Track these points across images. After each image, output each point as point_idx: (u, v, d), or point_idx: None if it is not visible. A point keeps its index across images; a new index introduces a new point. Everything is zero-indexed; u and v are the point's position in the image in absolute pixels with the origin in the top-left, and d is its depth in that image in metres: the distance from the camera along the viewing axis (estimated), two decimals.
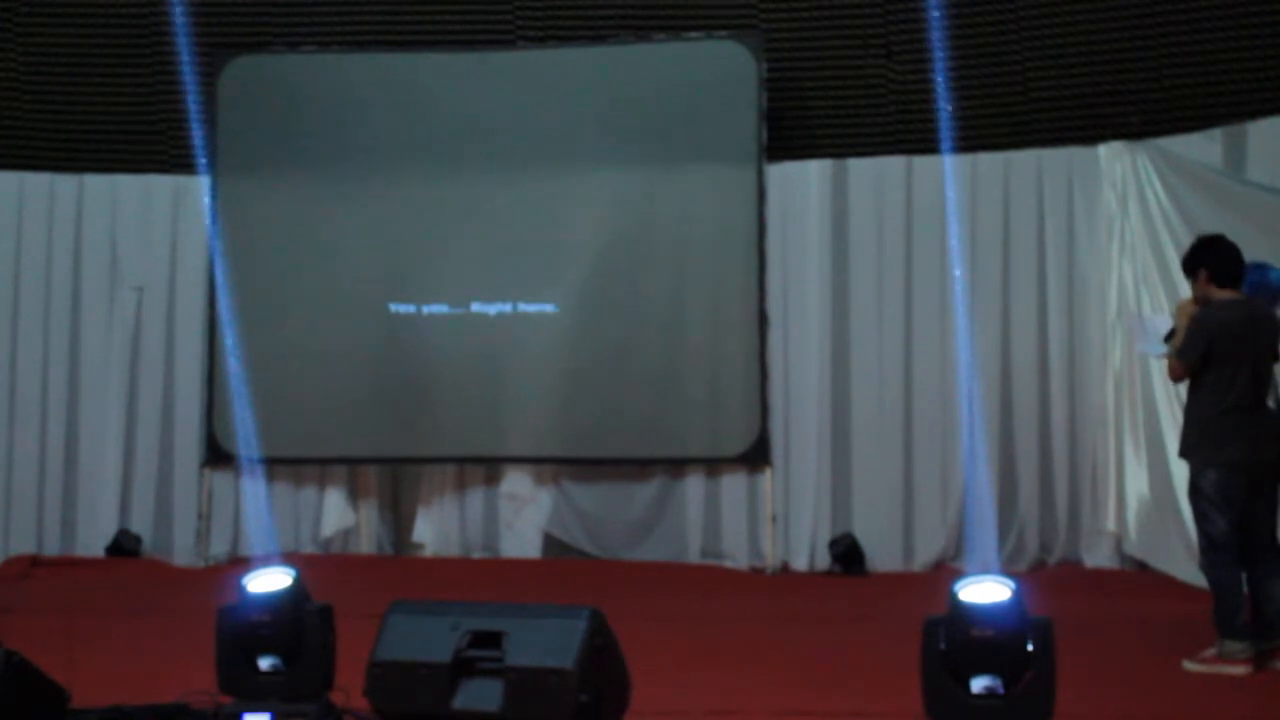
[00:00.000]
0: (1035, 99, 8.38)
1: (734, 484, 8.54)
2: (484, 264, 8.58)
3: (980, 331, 8.29)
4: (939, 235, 8.32)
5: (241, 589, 4.10)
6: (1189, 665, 5.44)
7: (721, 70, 8.41)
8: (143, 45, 8.82)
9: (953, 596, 3.59)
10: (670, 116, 8.45)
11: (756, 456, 8.42)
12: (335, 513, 8.80)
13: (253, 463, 8.28)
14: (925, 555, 8.35)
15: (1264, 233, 6.32)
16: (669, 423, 8.46)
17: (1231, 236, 5.67)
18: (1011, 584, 3.57)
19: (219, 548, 8.63)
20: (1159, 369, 7.29)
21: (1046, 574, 7.99)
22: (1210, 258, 5.57)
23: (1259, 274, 5.67)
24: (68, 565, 8.49)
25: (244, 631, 4.06)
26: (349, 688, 3.98)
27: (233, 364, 8.22)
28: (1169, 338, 5.69)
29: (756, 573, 8.34)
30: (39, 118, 8.98)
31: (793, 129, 8.56)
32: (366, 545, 8.83)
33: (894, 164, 8.53)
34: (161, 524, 8.77)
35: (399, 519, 8.94)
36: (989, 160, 8.43)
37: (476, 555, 8.73)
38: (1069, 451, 8.33)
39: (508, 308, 8.56)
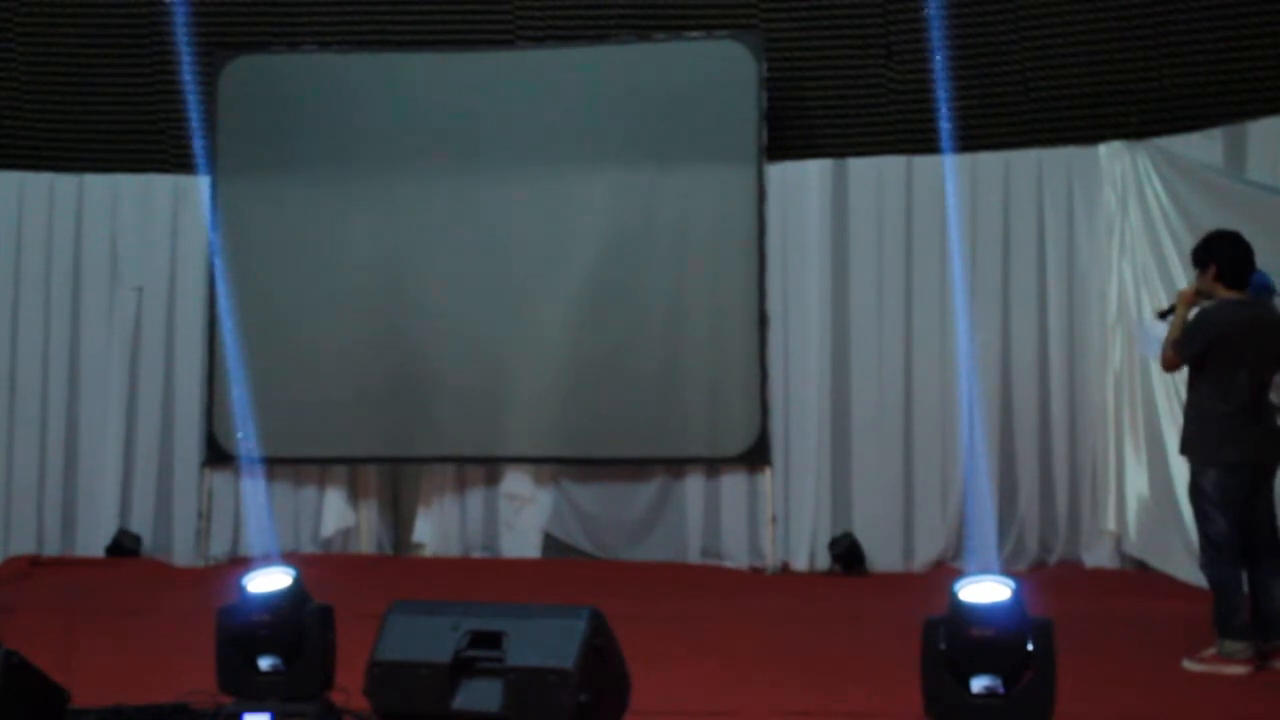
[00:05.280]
0: (1035, 99, 8.38)
1: (734, 484, 8.54)
2: (484, 264, 8.57)
3: (980, 331, 8.28)
4: (939, 235, 8.33)
5: (241, 589, 4.10)
6: (1189, 665, 5.44)
7: (721, 70, 8.40)
8: (143, 45, 8.82)
9: (953, 596, 3.59)
10: (670, 116, 8.45)
11: (756, 456, 8.42)
12: (335, 513, 8.80)
13: (253, 463, 8.28)
14: (925, 555, 8.35)
15: (1264, 233, 6.29)
16: (669, 423, 8.46)
17: None
18: (1011, 584, 3.57)
19: (219, 548, 8.63)
20: (1159, 369, 7.28)
21: (1046, 574, 7.99)
22: (1221, 255, 5.57)
23: (1259, 275, 5.67)
24: (68, 565, 8.49)
25: (244, 631, 4.05)
26: (349, 688, 3.98)
27: (233, 364, 8.22)
28: (1167, 314, 5.70)
29: (756, 573, 8.34)
30: (39, 118, 8.98)
31: (793, 129, 8.56)
32: (366, 545, 8.84)
33: (894, 164, 8.53)
34: (161, 524, 8.77)
35: (399, 519, 8.94)
36: (989, 160, 8.42)
37: (476, 555, 8.73)
38: (1069, 451, 8.33)
39: (507, 308, 8.55)
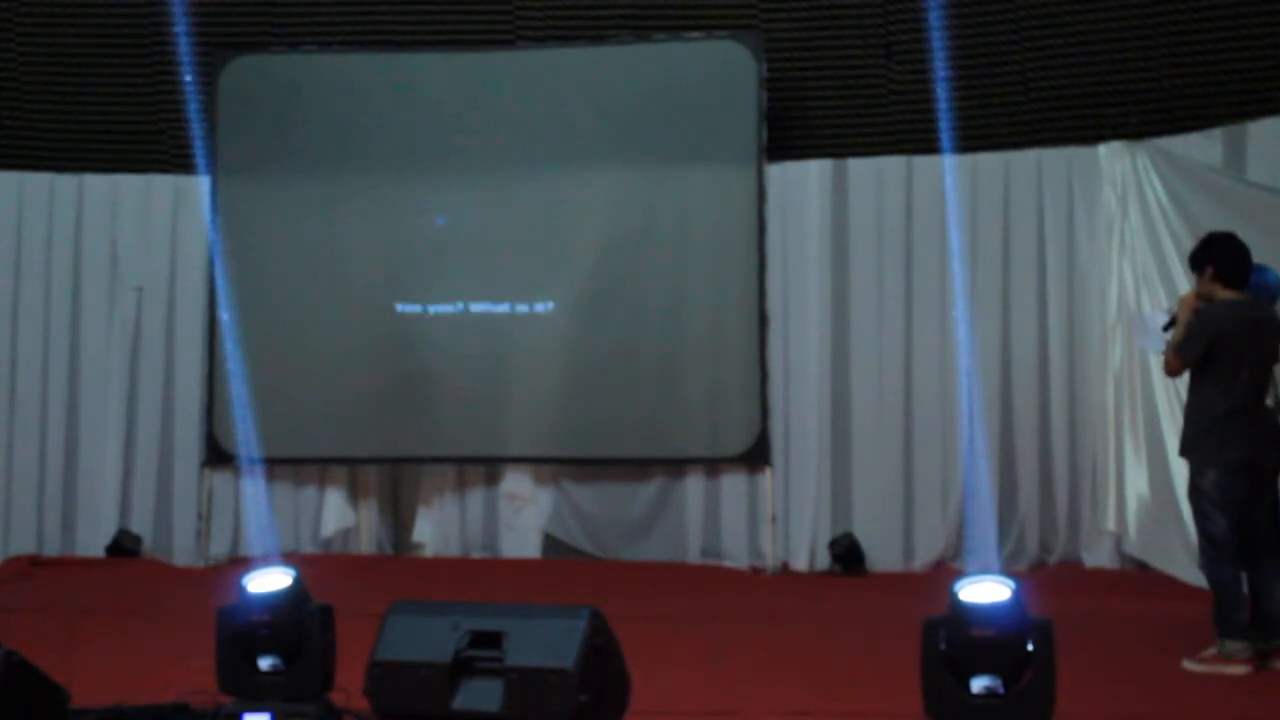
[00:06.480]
0: (1035, 99, 8.38)
1: (734, 484, 8.54)
2: (484, 264, 8.58)
3: (980, 331, 8.29)
4: (939, 235, 8.33)
5: (241, 589, 4.09)
6: (1189, 665, 5.44)
7: (721, 70, 8.40)
8: (143, 45, 8.82)
9: (953, 596, 3.59)
10: (670, 116, 8.45)
11: (756, 456, 8.42)
12: (335, 513, 8.80)
13: (253, 463, 8.28)
14: (925, 555, 8.35)
15: (1264, 233, 6.31)
16: (669, 423, 8.46)
17: None
18: (1011, 584, 3.57)
19: (219, 548, 8.63)
20: (1159, 369, 7.29)
21: (1046, 574, 7.99)
22: (1218, 256, 5.58)
23: (1258, 275, 5.67)
24: (68, 565, 8.48)
25: (244, 631, 4.05)
26: (349, 688, 3.98)
27: (233, 364, 8.22)
28: (1169, 327, 5.71)
29: (756, 573, 8.34)
30: (39, 118, 8.98)
31: (793, 129, 8.57)
32: (366, 545, 8.84)
33: (894, 164, 8.53)
34: (161, 524, 8.77)
35: (399, 519, 8.94)
36: (989, 160, 8.42)
37: (476, 555, 8.73)
38: (1069, 451, 8.33)
39: (507, 308, 8.56)
